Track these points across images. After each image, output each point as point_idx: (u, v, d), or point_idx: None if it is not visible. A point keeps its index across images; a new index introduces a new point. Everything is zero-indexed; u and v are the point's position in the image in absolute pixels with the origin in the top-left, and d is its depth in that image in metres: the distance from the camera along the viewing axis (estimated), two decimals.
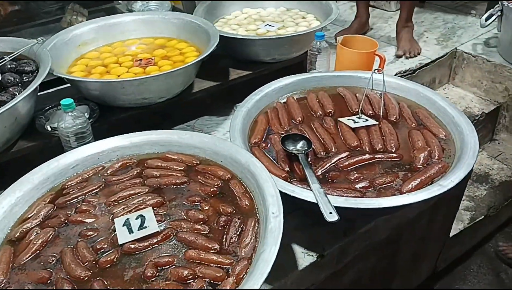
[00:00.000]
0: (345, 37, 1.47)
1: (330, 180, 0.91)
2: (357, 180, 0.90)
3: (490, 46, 1.86)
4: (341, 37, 1.45)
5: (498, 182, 1.63)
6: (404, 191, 0.86)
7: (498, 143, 1.84)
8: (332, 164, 0.95)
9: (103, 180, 0.92)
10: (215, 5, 1.72)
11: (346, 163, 0.95)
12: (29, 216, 0.82)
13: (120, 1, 1.98)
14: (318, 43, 1.35)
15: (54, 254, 0.74)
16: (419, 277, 1.49)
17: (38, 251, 0.75)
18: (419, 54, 1.80)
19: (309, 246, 0.91)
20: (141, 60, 1.37)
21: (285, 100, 1.21)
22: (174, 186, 0.89)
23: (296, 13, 1.73)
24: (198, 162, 0.95)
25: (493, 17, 1.72)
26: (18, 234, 0.79)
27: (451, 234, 1.37)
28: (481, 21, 1.75)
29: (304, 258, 0.89)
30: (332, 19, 1.49)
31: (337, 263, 0.96)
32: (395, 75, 1.71)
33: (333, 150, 1.00)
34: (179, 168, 0.93)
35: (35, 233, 0.78)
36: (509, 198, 1.56)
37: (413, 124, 1.08)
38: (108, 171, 0.94)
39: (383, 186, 0.88)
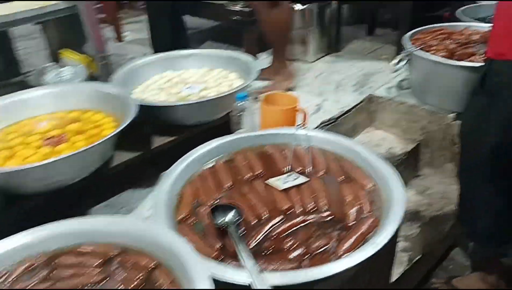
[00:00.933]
0: (267, 94, 1.48)
1: (264, 252, 0.86)
2: (292, 249, 0.85)
3: (403, 89, 1.99)
4: (263, 95, 1.46)
5: (429, 218, 1.68)
6: (340, 253, 0.83)
7: (423, 179, 1.92)
8: (265, 233, 0.91)
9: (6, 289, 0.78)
10: (134, 71, 1.68)
11: (280, 229, 0.91)
12: None
13: (30, 74, 1.87)
14: (241, 103, 1.34)
15: None
16: None
17: None
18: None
19: None
20: (51, 137, 1.26)
21: (212, 165, 1.17)
22: (90, 287, 0.78)
23: (218, 73, 1.73)
24: (118, 252, 0.85)
25: (403, 62, 1.86)
26: None
27: (393, 279, 1.36)
28: (392, 66, 1.88)
29: None
30: (252, 78, 1.51)
31: None
32: (319, 124, 1.76)
33: (265, 216, 0.96)
34: (95, 263, 0.82)
35: None
36: (441, 233, 1.61)
37: (341, 177, 1.07)
38: (11, 278, 0.80)
39: (318, 251, 0.84)
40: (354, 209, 0.94)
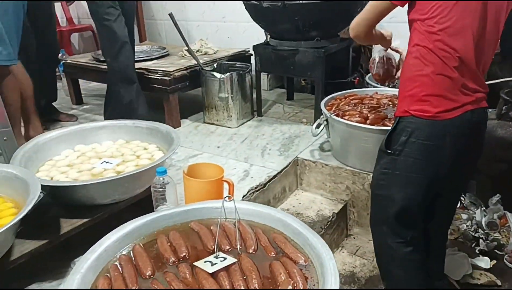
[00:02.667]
0: (191, 165, 1.41)
1: None
2: None
3: (325, 151, 2.05)
4: (186, 167, 1.39)
5: (364, 279, 1.66)
6: None
7: (354, 238, 1.93)
8: None
9: None
10: (41, 147, 1.52)
11: None
12: None
13: None
14: (162, 178, 1.26)
15: None
16: None
17: None
18: None
19: None
20: None
21: (130, 250, 1.04)
22: None
23: (136, 145, 1.64)
24: None
25: (321, 126, 1.92)
26: None
27: None
28: (312, 130, 1.93)
29: None
30: (174, 149, 1.44)
31: None
32: (248, 191, 1.71)
33: None
34: None
35: None
36: None
37: (272, 253, 1.01)
38: None
39: None
40: (288, 288, 0.88)
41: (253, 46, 2.53)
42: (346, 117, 1.81)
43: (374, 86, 2.24)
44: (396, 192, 1.26)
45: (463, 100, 1.16)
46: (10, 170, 1.26)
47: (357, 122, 1.75)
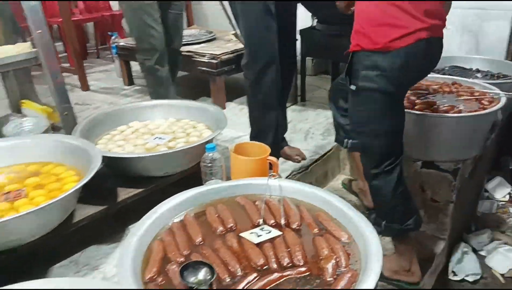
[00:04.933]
0: (238, 144, 1.47)
1: None
2: None
3: None
4: (233, 145, 1.45)
5: None
6: None
7: None
8: None
9: None
10: (98, 122, 1.63)
11: (255, 287, 0.86)
12: None
13: None
14: (211, 154, 1.32)
15: None
16: None
17: None
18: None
19: None
20: (8, 192, 1.18)
21: (182, 219, 1.11)
22: None
23: (186, 123, 1.72)
24: None
25: None
26: None
27: None
28: None
29: None
30: (222, 128, 1.50)
31: None
32: (291, 173, 1.75)
33: (239, 273, 0.91)
34: None
35: None
36: None
37: (315, 229, 1.05)
38: None
39: None
40: (331, 263, 0.91)
41: (300, 31, 2.53)
42: None
43: None
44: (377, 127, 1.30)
45: (415, 26, 1.16)
46: (73, 141, 1.37)
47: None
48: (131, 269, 0.88)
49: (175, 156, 1.37)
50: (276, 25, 1.60)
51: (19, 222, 0.99)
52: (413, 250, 1.49)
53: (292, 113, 2.44)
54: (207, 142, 1.40)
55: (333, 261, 0.92)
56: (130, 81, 3.19)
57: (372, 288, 0.80)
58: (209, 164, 1.31)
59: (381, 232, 1.44)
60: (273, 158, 1.36)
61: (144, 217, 1.06)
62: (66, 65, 3.43)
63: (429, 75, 2.09)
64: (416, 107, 1.74)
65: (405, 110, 1.71)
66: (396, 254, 1.50)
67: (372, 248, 0.91)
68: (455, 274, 1.78)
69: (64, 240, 1.18)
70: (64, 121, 1.75)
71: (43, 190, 1.19)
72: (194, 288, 0.85)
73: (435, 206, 1.78)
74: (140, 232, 1.01)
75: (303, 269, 0.91)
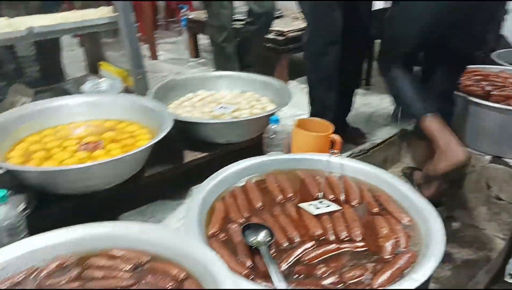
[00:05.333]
0: (301, 119, 1.48)
1: (295, 276, 0.83)
2: (324, 276, 0.83)
3: None
4: (296, 120, 1.46)
5: (460, 261, 1.61)
6: (375, 286, 0.80)
7: (455, 221, 1.86)
8: (297, 257, 0.88)
9: (36, 284, 0.78)
10: (169, 87, 1.71)
11: (312, 255, 0.88)
12: None
13: (68, 83, 1.93)
14: (274, 126, 1.35)
15: None
16: None
17: None
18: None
19: None
20: (88, 143, 1.29)
21: (243, 184, 1.16)
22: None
23: (251, 96, 1.75)
24: (149, 259, 0.84)
25: None
26: None
27: None
28: None
29: None
30: (286, 103, 1.52)
31: None
32: (350, 155, 1.74)
33: (297, 240, 0.94)
34: (126, 268, 0.82)
35: None
36: (472, 277, 1.54)
37: (376, 209, 1.05)
38: (43, 273, 0.80)
39: (352, 281, 0.81)
40: (390, 242, 0.91)
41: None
42: (467, 92, 1.70)
43: (501, 65, 2.05)
44: None
45: None
46: (147, 102, 1.45)
47: (479, 98, 1.64)
48: (195, 223, 0.94)
49: (239, 125, 1.42)
50: (341, 5, 1.57)
51: (99, 169, 1.08)
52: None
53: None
54: (271, 114, 1.42)
55: (392, 240, 0.92)
56: (196, 53, 3.28)
57: (431, 272, 0.80)
58: (272, 136, 1.34)
59: None
60: (336, 136, 1.36)
61: (208, 178, 1.12)
62: (137, 35, 3.58)
63: (507, 67, 1.97)
64: (492, 98, 1.65)
65: (478, 100, 1.63)
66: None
67: (435, 234, 0.89)
68: None
69: (134, 192, 1.27)
70: (137, 85, 1.86)
71: (118, 144, 1.29)
72: (253, 247, 0.89)
73: (499, 204, 1.69)
74: (204, 191, 1.06)
75: (360, 244, 0.92)
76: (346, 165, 1.20)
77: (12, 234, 0.93)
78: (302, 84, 2.59)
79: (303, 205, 1.06)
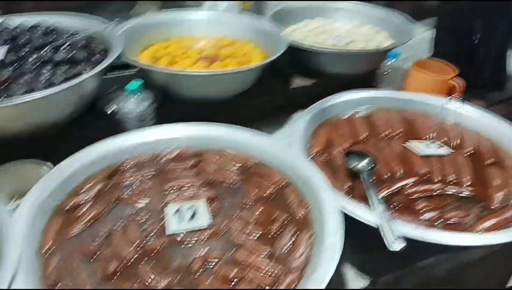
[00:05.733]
0: (419, 60, 1.39)
1: (393, 206, 0.84)
2: (423, 210, 0.82)
3: None
4: (415, 60, 1.38)
5: None
6: (477, 230, 0.78)
7: None
8: (397, 189, 0.89)
9: (158, 166, 0.90)
10: (285, 12, 1.71)
11: (413, 190, 0.88)
12: (83, 190, 0.82)
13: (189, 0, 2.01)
14: (390, 62, 1.29)
15: (103, 231, 0.73)
16: None
17: (87, 225, 0.74)
18: None
19: (362, 269, 0.84)
20: (207, 56, 1.37)
21: (350, 115, 1.16)
22: (228, 184, 0.86)
23: (369, 29, 1.68)
24: (255, 164, 0.91)
25: None
26: (70, 205, 0.78)
27: (509, 285, 1.25)
28: None
29: (356, 280, 0.82)
30: (407, 40, 1.42)
31: None
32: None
33: (399, 174, 0.93)
34: (235, 167, 0.90)
35: (87, 207, 0.77)
36: None
37: (491, 160, 0.98)
38: (164, 159, 0.92)
39: (452, 221, 0.80)
40: (501, 193, 0.87)
41: None
42: None
43: None
44: None
45: None
46: (264, 24, 1.48)
47: None
48: (299, 142, 0.97)
49: (353, 57, 1.38)
50: None
51: (217, 79, 1.16)
52: None
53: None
54: (387, 50, 1.36)
55: (504, 192, 0.87)
56: None
57: None
58: (386, 72, 1.29)
59: None
60: (459, 80, 1.26)
61: (315, 104, 1.13)
62: None
63: None
64: None
65: None
66: None
67: None
68: None
69: (241, 108, 1.33)
70: (253, 8, 1.88)
71: (235, 60, 1.35)
72: (354, 173, 0.91)
73: None
74: (312, 113, 1.09)
75: (468, 189, 0.89)
76: (464, 115, 1.12)
77: (140, 123, 1.06)
78: (424, 26, 2.39)
79: (411, 143, 1.04)
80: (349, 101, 1.19)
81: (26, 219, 0.70)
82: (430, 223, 0.79)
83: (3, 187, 0.90)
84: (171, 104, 1.21)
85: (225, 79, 1.17)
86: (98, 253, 0.69)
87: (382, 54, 1.35)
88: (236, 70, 1.17)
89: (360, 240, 0.82)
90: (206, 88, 1.18)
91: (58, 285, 0.64)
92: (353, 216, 0.76)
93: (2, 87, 1.01)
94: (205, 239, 0.72)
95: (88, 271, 0.66)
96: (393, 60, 1.29)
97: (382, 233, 0.71)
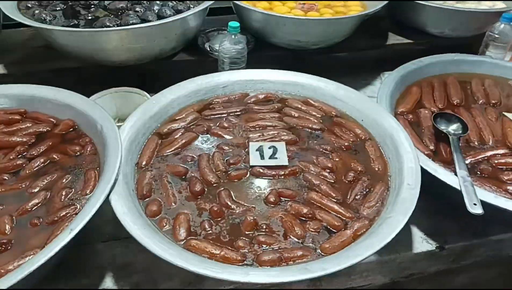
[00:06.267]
0: None
1: (478, 173, 0.81)
2: (510, 182, 0.78)
3: None
4: None
5: None
6: None
7: None
8: (485, 158, 0.85)
9: (246, 106, 0.95)
10: None
11: (502, 161, 0.83)
12: (178, 118, 0.90)
13: None
14: (502, 25, 1.17)
15: (193, 156, 0.81)
16: None
17: (179, 149, 0.83)
18: None
19: (430, 233, 0.84)
20: (304, 4, 1.36)
21: (445, 78, 1.10)
22: (309, 130, 0.89)
23: None
24: (338, 115, 0.93)
25: None
26: (166, 130, 0.87)
27: None
28: None
29: (422, 243, 0.82)
30: None
31: (453, 262, 0.88)
32: None
33: (490, 143, 0.89)
34: (317, 115, 0.92)
35: (180, 134, 0.86)
36: None
37: None
38: (252, 100, 0.97)
39: None
40: None
41: None
42: None
43: None
44: None
45: None
46: None
47: None
48: (388, 97, 0.96)
49: (458, 15, 1.27)
50: None
51: (312, 26, 1.16)
52: None
53: None
54: (499, 13, 1.23)
55: None
56: None
57: None
58: (496, 35, 1.18)
59: None
60: None
61: (410, 62, 1.09)
62: None
63: None
64: None
65: None
66: None
67: None
68: None
69: (332, 60, 1.32)
70: None
71: (331, 10, 1.32)
72: (442, 135, 0.88)
73: None
74: (403, 72, 1.05)
75: None
76: None
77: (233, 63, 1.10)
78: None
79: (508, 114, 0.97)
80: (448, 63, 1.13)
81: (128, 136, 0.80)
82: None
83: (110, 109, 1.01)
84: (263, 49, 1.25)
85: (319, 27, 1.17)
86: (187, 174, 0.77)
87: (494, 17, 1.22)
88: (330, 19, 1.15)
89: (433, 204, 0.82)
90: (299, 35, 1.18)
91: (150, 197, 0.73)
92: (436, 175, 0.74)
93: (117, 15, 1.12)
94: (282, 177, 0.77)
95: (176, 189, 0.75)
96: (506, 23, 1.17)
97: (464, 195, 0.70)
